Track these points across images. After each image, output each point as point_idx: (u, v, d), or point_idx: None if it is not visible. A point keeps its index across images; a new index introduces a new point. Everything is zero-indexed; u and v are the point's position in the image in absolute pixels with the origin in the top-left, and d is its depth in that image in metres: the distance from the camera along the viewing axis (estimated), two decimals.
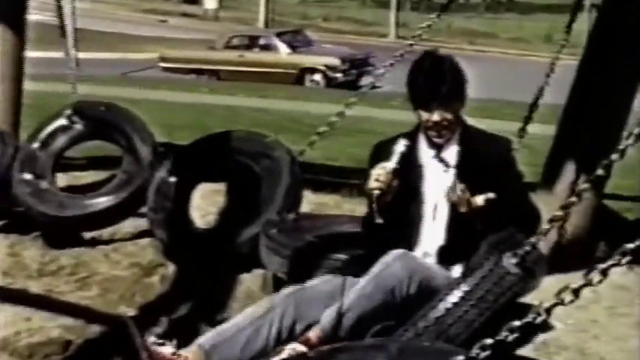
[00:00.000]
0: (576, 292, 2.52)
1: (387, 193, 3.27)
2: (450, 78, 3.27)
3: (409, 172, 3.36)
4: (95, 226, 5.55)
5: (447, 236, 3.35)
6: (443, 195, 3.31)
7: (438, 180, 3.37)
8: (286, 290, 3.30)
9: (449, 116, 3.30)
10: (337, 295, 3.14)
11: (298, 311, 3.18)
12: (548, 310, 2.52)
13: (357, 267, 3.33)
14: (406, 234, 3.37)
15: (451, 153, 3.39)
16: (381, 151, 3.46)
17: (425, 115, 3.31)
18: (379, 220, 3.24)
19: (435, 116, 3.29)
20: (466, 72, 3.38)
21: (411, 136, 3.44)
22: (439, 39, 30.84)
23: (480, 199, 3.22)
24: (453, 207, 3.28)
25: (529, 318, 2.52)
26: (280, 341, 3.15)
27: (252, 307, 3.29)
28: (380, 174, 3.26)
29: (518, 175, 3.47)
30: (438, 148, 3.39)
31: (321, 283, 3.30)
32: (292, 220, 4.61)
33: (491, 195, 3.21)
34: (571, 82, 5.36)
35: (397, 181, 3.28)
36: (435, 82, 3.27)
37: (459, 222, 3.30)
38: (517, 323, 2.51)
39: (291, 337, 3.16)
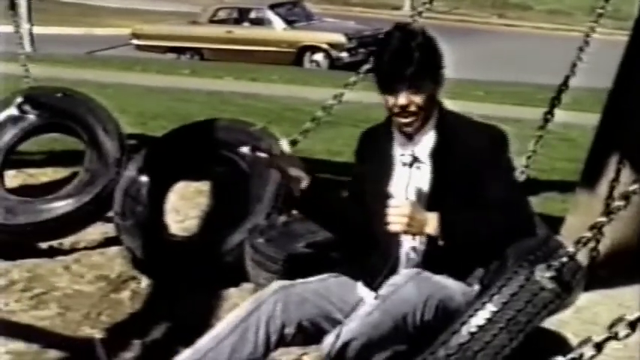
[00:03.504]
0: (633, 326, 2.48)
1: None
2: (418, 55, 3.24)
3: (379, 170, 3.40)
4: (54, 236, 5.56)
5: (428, 246, 3.34)
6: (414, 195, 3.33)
7: (411, 178, 3.35)
8: (274, 285, 3.35)
9: (418, 100, 3.28)
10: (336, 300, 3.22)
11: (287, 312, 3.23)
12: (599, 346, 2.48)
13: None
14: (380, 244, 3.40)
15: (425, 145, 3.37)
16: (367, 141, 3.57)
17: (391, 100, 3.31)
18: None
19: (402, 99, 3.29)
20: (443, 47, 3.37)
21: (385, 127, 3.46)
22: (463, 11, 30.98)
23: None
24: (431, 207, 3.28)
25: (575, 354, 2.49)
26: (269, 347, 3.21)
27: (233, 312, 3.33)
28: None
29: (505, 174, 3.39)
30: (409, 138, 3.37)
31: (314, 280, 3.38)
32: (282, 225, 4.61)
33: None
34: (619, 62, 5.34)
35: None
36: (401, 60, 3.26)
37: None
38: None
39: (281, 342, 3.23)
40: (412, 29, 3.38)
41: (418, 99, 3.29)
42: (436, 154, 3.35)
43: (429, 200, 3.32)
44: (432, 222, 3.25)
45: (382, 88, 3.34)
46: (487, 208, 3.26)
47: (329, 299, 3.28)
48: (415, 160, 3.34)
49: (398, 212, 3.21)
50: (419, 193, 3.33)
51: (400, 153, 3.40)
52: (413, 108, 3.30)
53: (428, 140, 3.37)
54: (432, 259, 3.31)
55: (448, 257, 3.28)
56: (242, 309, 3.28)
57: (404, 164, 3.34)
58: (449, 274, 3.29)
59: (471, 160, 3.30)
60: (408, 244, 3.37)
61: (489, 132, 3.41)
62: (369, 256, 3.40)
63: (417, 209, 3.24)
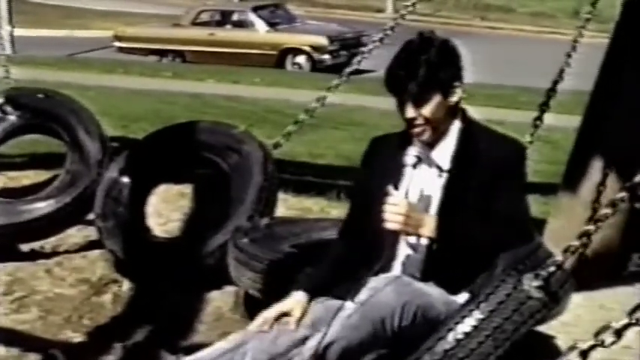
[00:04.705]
0: (619, 333, 2.49)
1: None
2: (424, 72, 3.24)
3: (392, 177, 3.36)
4: (34, 237, 5.54)
5: (432, 251, 3.33)
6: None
7: (428, 186, 3.36)
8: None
9: (425, 112, 3.29)
10: (319, 325, 3.18)
11: (275, 346, 3.20)
12: (585, 354, 2.49)
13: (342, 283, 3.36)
14: (382, 249, 3.37)
15: (445, 153, 3.38)
16: (376, 149, 3.55)
17: (401, 111, 3.33)
18: None
19: (409, 112, 3.30)
20: (462, 57, 3.37)
21: (405, 135, 3.44)
22: (446, 14, 31.05)
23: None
24: (441, 215, 3.29)
25: None
26: None
27: (221, 342, 3.31)
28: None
29: (518, 188, 3.41)
30: (430, 147, 3.38)
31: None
32: (265, 226, 4.62)
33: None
34: (600, 64, 5.36)
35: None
36: (406, 75, 3.26)
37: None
38: None
39: None
40: (430, 39, 3.34)
41: (425, 111, 3.29)
42: (454, 163, 3.36)
43: (440, 208, 3.33)
44: (429, 223, 3.26)
45: (393, 98, 3.35)
46: (491, 219, 3.28)
47: (317, 328, 3.21)
48: (419, 160, 3.34)
49: (395, 210, 3.22)
50: (428, 199, 3.34)
51: (419, 159, 3.38)
52: (420, 120, 3.31)
53: (447, 148, 3.38)
54: (431, 268, 3.31)
55: (447, 268, 3.28)
56: (230, 341, 3.26)
57: (412, 166, 3.33)
58: (445, 286, 3.29)
59: (489, 173, 3.31)
60: (406, 251, 3.36)
61: (510, 145, 3.43)
62: (371, 264, 3.38)
63: (414, 208, 3.24)
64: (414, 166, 3.33)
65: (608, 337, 2.47)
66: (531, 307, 3.02)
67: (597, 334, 2.48)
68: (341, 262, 3.46)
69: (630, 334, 4.13)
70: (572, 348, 2.49)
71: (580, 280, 4.07)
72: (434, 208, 3.33)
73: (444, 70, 3.31)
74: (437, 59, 3.28)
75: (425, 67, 3.25)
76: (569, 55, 5.37)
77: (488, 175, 3.31)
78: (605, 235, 5.01)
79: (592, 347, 2.48)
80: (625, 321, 2.48)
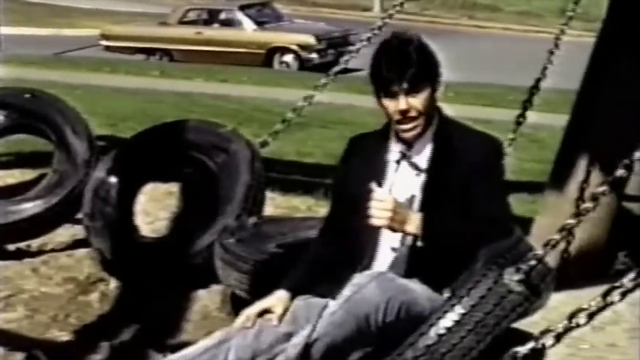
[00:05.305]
0: (591, 316, 2.50)
1: None
2: (416, 57, 3.28)
3: (373, 175, 3.36)
4: (21, 237, 5.52)
5: (416, 249, 3.32)
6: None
7: (407, 185, 3.35)
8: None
9: (417, 103, 3.30)
10: (301, 322, 3.20)
11: (258, 342, 3.21)
12: (559, 337, 2.50)
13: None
14: (363, 247, 3.38)
15: (424, 153, 3.38)
16: (355, 148, 3.54)
17: (391, 105, 3.31)
18: None
19: (402, 104, 3.30)
20: (438, 53, 3.40)
21: (383, 133, 3.46)
22: (432, 13, 31.09)
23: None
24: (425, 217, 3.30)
25: (537, 344, 2.50)
26: None
27: (205, 340, 3.32)
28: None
29: (496, 186, 3.41)
30: (409, 146, 3.38)
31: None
32: (252, 226, 4.62)
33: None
34: (587, 63, 5.38)
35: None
36: (400, 62, 3.27)
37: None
38: (521, 350, 2.49)
39: None
40: (408, 36, 3.37)
41: (417, 103, 3.30)
42: (433, 163, 3.36)
43: (420, 207, 3.32)
44: (414, 220, 3.25)
45: (381, 92, 3.34)
46: (472, 217, 3.29)
47: (299, 325, 3.23)
48: (404, 157, 3.34)
49: (381, 206, 3.21)
50: (412, 196, 3.33)
51: (397, 159, 3.38)
52: (413, 113, 3.31)
53: (425, 147, 3.38)
54: (415, 265, 3.31)
55: (430, 265, 3.28)
56: (213, 338, 3.27)
57: (396, 162, 3.34)
58: (429, 283, 3.29)
59: (466, 171, 3.32)
60: (388, 249, 3.36)
61: (487, 142, 3.43)
62: (353, 262, 3.37)
63: (400, 205, 3.24)
64: (397, 162, 3.33)
65: (581, 320, 2.48)
66: (513, 301, 3.03)
67: (571, 316, 2.49)
68: (322, 260, 3.47)
69: (617, 332, 4.17)
70: (546, 331, 2.50)
71: (567, 279, 4.10)
72: (417, 205, 3.33)
73: (432, 63, 3.34)
74: (424, 53, 3.32)
75: (417, 59, 3.27)
76: (551, 53, 5.39)
77: (466, 173, 3.31)
78: (592, 234, 5.04)
79: (565, 330, 2.49)
80: (598, 300, 2.49)
